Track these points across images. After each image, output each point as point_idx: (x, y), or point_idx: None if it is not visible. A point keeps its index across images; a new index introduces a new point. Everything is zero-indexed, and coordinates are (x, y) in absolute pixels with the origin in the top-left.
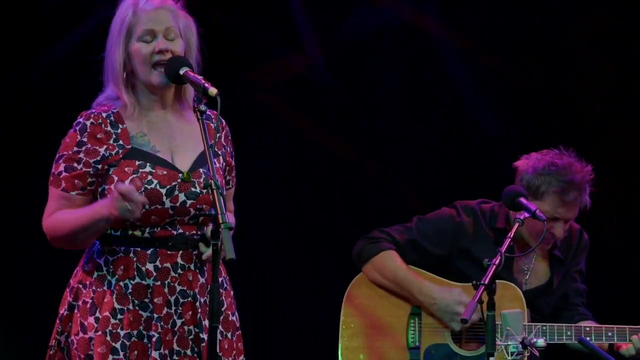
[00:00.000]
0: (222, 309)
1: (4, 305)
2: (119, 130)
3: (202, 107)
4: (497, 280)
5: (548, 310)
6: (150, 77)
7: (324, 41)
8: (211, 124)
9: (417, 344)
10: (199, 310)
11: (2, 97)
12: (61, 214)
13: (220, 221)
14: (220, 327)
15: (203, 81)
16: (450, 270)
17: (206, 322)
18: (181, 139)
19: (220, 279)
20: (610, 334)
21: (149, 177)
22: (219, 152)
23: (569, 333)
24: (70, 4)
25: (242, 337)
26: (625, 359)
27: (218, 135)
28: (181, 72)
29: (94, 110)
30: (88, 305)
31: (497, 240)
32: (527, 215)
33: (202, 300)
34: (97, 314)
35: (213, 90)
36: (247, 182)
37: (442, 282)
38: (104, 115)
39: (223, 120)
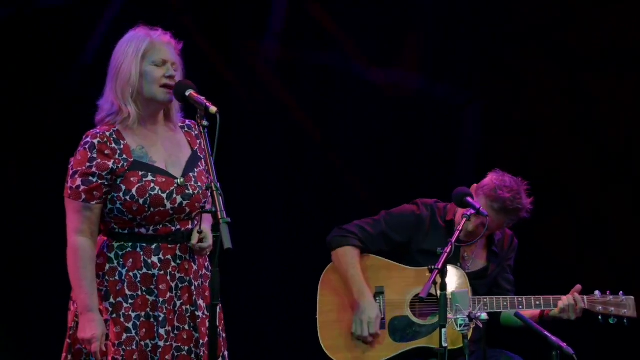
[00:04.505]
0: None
1: (18, 294)
2: (122, 146)
3: (205, 123)
4: (447, 265)
5: (483, 291)
6: (156, 93)
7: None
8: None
9: (383, 316)
10: (194, 292)
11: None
12: (76, 259)
13: (220, 217)
14: (203, 303)
15: (205, 101)
16: (408, 256)
17: (200, 302)
18: (171, 149)
19: (205, 264)
20: (538, 302)
21: (152, 185)
22: (201, 156)
23: (505, 303)
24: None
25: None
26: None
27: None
28: (187, 93)
29: (98, 130)
30: (102, 293)
31: (448, 231)
32: (472, 211)
33: (196, 284)
34: (112, 300)
35: (213, 109)
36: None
37: (396, 268)
38: (107, 134)
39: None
